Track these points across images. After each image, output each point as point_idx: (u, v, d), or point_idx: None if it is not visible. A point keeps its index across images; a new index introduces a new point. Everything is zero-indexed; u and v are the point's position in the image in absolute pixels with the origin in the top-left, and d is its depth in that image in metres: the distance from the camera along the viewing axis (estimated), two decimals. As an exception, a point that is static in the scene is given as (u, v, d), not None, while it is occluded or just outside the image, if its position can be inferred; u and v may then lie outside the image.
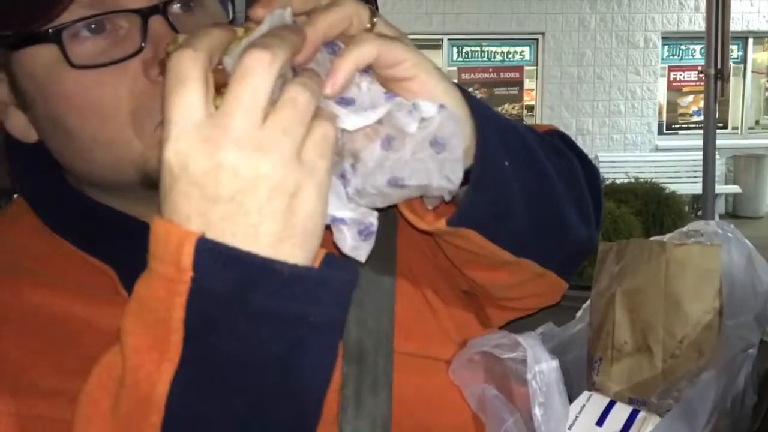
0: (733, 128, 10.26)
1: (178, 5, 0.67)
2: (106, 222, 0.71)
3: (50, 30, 0.61)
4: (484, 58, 10.11)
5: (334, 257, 0.50)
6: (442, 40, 9.84)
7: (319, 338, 0.50)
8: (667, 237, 0.91)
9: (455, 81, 0.75)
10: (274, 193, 0.46)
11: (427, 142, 0.56)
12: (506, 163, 0.66)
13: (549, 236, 0.75)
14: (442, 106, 0.56)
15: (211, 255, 0.45)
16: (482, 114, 0.64)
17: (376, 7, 1.80)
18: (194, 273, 0.45)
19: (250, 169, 0.45)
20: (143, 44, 0.62)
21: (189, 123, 0.46)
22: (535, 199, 0.70)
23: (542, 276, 0.77)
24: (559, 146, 0.80)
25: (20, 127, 0.69)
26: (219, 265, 0.45)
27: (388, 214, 0.80)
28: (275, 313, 0.47)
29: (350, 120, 0.52)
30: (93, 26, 0.62)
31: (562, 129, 0.88)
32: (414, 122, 0.54)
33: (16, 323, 0.62)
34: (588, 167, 0.84)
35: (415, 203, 0.66)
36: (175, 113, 0.46)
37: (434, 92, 0.58)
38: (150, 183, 0.65)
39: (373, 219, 0.54)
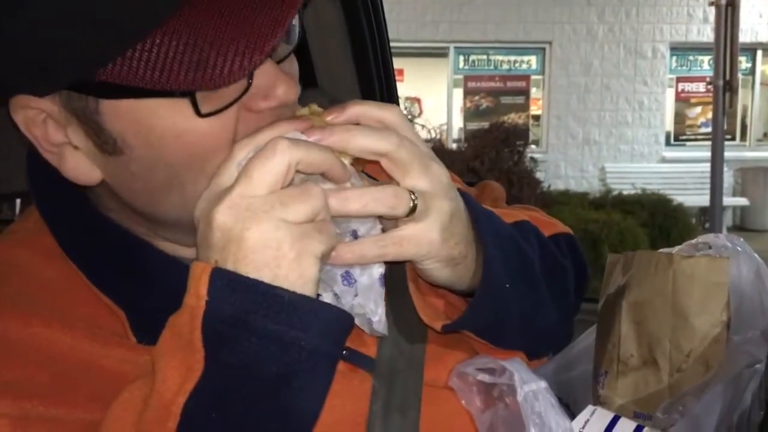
0: (741, 140, 10.24)
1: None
2: (126, 255, 0.69)
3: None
4: (491, 67, 10.13)
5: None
6: (448, 48, 9.87)
7: (309, 364, 0.56)
8: (675, 249, 0.90)
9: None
10: (261, 246, 0.56)
11: None
12: (507, 286, 0.73)
13: (534, 341, 0.83)
14: None
15: (223, 282, 0.55)
16: (488, 236, 0.71)
17: (383, 16, 1.77)
18: (208, 297, 0.55)
19: (237, 229, 0.56)
20: (250, 81, 0.60)
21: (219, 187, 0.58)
22: (527, 316, 0.78)
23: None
24: (558, 258, 0.88)
25: (81, 168, 0.65)
26: (228, 290, 0.55)
27: None
28: (273, 334, 0.55)
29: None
30: None
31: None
32: None
33: (27, 356, 0.62)
34: (583, 273, 0.95)
35: (425, 300, 0.74)
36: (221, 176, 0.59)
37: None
38: None
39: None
